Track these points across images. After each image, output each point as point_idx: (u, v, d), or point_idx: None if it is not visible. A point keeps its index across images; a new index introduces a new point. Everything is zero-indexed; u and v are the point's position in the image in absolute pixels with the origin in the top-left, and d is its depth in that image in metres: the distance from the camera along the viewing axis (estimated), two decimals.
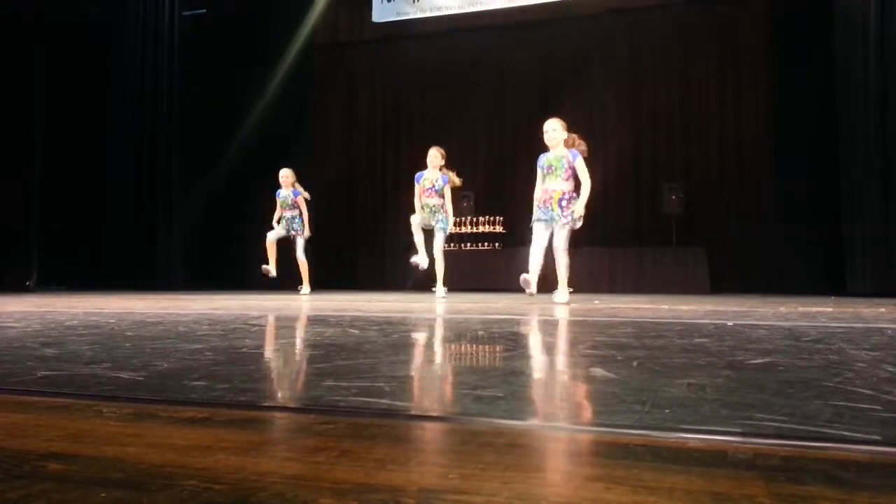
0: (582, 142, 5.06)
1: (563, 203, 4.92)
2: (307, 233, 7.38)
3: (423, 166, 6.49)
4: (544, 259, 5.07)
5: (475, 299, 5.71)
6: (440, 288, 6.26)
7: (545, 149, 5.12)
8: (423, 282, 7.26)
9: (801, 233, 7.84)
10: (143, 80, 9.41)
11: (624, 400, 1.07)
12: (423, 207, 6.29)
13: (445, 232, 6.30)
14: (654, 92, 9.22)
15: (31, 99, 8.05)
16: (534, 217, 5.10)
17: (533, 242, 5.07)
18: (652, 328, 2.55)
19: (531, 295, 5.08)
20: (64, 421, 0.93)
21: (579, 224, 4.99)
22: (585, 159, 5.00)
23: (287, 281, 7.52)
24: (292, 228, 7.33)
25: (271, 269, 7.23)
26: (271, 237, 7.32)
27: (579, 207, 4.88)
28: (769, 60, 8.48)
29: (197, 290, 8.27)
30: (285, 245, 7.45)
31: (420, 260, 6.26)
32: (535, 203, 5.14)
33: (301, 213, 7.39)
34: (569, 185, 4.96)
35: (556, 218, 4.93)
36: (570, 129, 5.10)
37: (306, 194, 7.43)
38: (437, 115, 10.04)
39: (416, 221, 6.27)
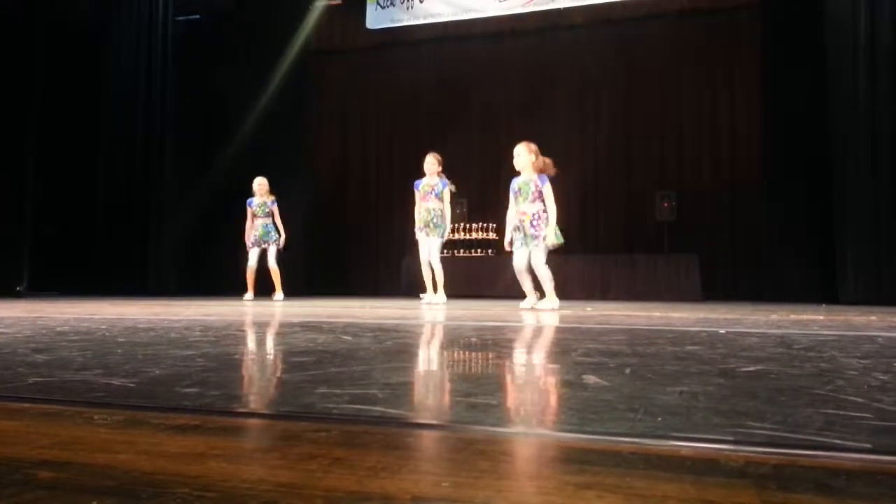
0: (550, 165, 5.31)
1: (534, 223, 5.19)
2: (283, 241, 7.40)
3: (417, 171, 6.51)
4: (531, 275, 5.32)
5: (468, 306, 5.71)
6: (440, 294, 6.28)
7: (517, 173, 5.38)
8: (416, 287, 7.26)
9: (793, 240, 7.88)
10: (137, 85, 9.40)
11: (616, 407, 1.08)
12: (422, 213, 6.32)
13: (442, 238, 6.33)
14: (646, 100, 9.25)
15: (26, 102, 8.02)
16: (507, 241, 5.41)
17: (515, 269, 5.34)
18: (644, 335, 2.56)
19: (534, 307, 5.23)
20: (55, 428, 0.92)
21: (554, 247, 5.23)
22: (554, 180, 5.29)
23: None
24: (265, 238, 7.34)
25: (251, 295, 7.25)
26: (252, 264, 7.34)
27: (550, 235, 5.14)
28: (761, 68, 8.53)
29: (189, 295, 8.24)
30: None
31: (428, 299, 6.28)
32: (508, 226, 5.42)
33: (274, 221, 7.41)
34: (536, 207, 5.23)
35: (529, 238, 5.20)
36: (539, 153, 5.34)
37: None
38: (431, 121, 10.06)
39: (424, 259, 6.29)
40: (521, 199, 5.27)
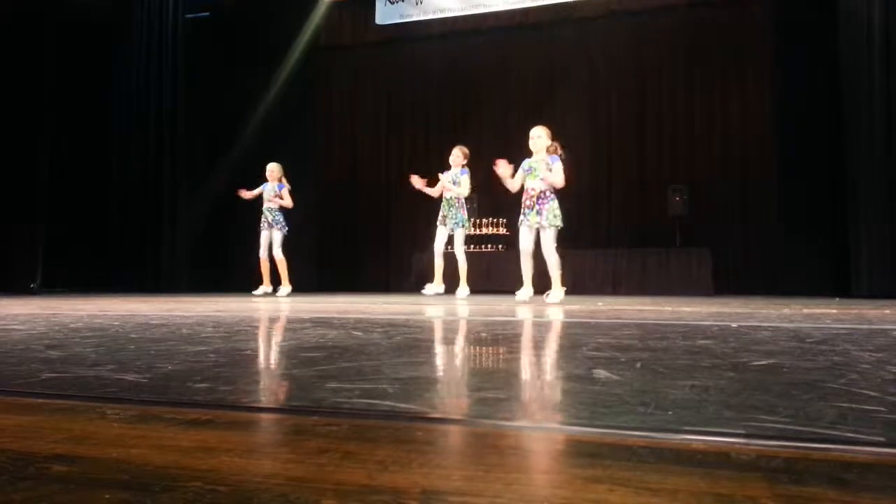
0: (562, 150, 5.47)
1: (540, 201, 5.31)
2: (285, 229, 7.37)
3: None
4: (535, 260, 5.44)
5: (478, 301, 5.71)
6: (463, 287, 6.33)
7: (530, 154, 5.51)
8: (426, 282, 7.26)
9: (806, 234, 7.82)
10: (148, 83, 9.44)
11: (627, 401, 1.07)
12: (443, 203, 6.37)
13: (464, 228, 6.37)
14: (658, 93, 9.20)
15: (37, 101, 8.08)
16: (520, 220, 5.50)
17: (521, 250, 5.45)
18: (655, 330, 2.55)
19: (530, 298, 5.38)
20: (68, 423, 0.93)
21: (560, 223, 5.32)
22: (566, 165, 5.38)
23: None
24: (272, 222, 7.31)
25: (266, 288, 7.27)
26: (264, 255, 7.34)
27: (552, 217, 5.25)
28: (773, 61, 8.46)
29: (201, 292, 8.29)
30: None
31: (434, 290, 6.29)
32: (522, 203, 5.49)
33: (283, 206, 7.37)
34: (544, 184, 5.33)
35: (537, 219, 5.28)
36: (554, 137, 5.50)
37: (289, 196, 7.44)
38: (441, 116, 10.04)
39: (438, 249, 6.31)
40: (530, 176, 5.42)
